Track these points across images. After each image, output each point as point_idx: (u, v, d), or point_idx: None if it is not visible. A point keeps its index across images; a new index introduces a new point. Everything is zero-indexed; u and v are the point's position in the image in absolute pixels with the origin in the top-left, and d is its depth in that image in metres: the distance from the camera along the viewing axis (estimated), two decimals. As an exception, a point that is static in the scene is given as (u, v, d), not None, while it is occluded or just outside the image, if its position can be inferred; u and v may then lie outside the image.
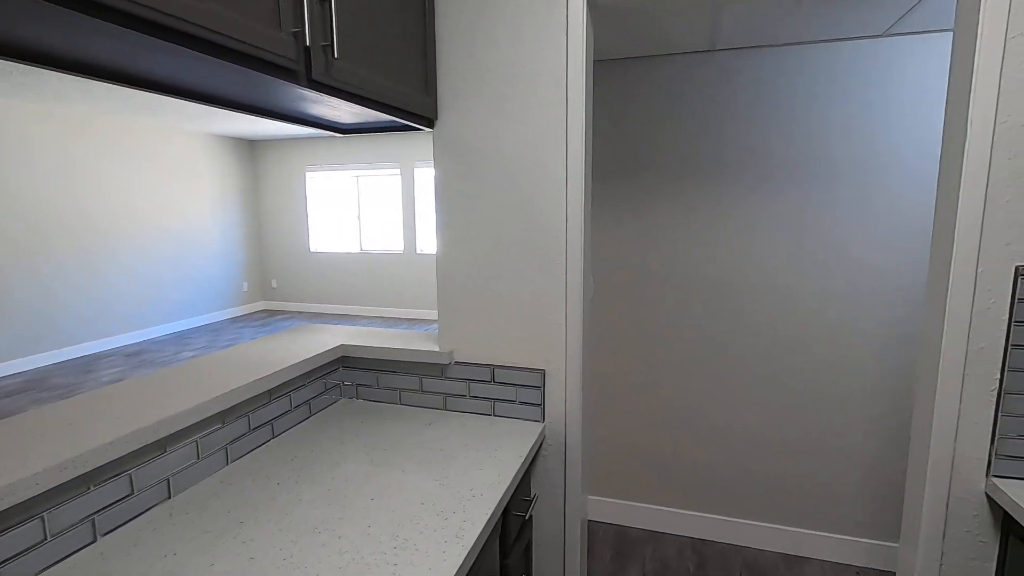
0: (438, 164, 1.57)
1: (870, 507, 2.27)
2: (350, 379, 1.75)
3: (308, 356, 1.55)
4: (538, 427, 1.54)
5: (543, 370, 1.55)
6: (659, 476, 2.56)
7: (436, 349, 1.63)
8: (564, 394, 1.55)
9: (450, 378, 1.64)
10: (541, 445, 1.59)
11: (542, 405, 1.56)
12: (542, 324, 1.54)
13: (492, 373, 1.60)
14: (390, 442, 1.44)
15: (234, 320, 8.06)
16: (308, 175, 8.31)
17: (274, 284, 8.74)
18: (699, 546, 2.48)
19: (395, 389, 1.70)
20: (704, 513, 2.51)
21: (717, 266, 2.34)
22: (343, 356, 1.74)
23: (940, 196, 1.28)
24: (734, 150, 2.26)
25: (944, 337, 1.23)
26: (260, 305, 8.79)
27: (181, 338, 7.02)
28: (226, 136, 7.98)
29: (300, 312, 8.57)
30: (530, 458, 1.42)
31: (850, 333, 2.21)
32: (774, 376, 2.33)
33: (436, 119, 1.55)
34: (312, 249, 8.45)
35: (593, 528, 2.63)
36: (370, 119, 1.53)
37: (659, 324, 2.46)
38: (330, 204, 8.45)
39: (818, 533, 2.34)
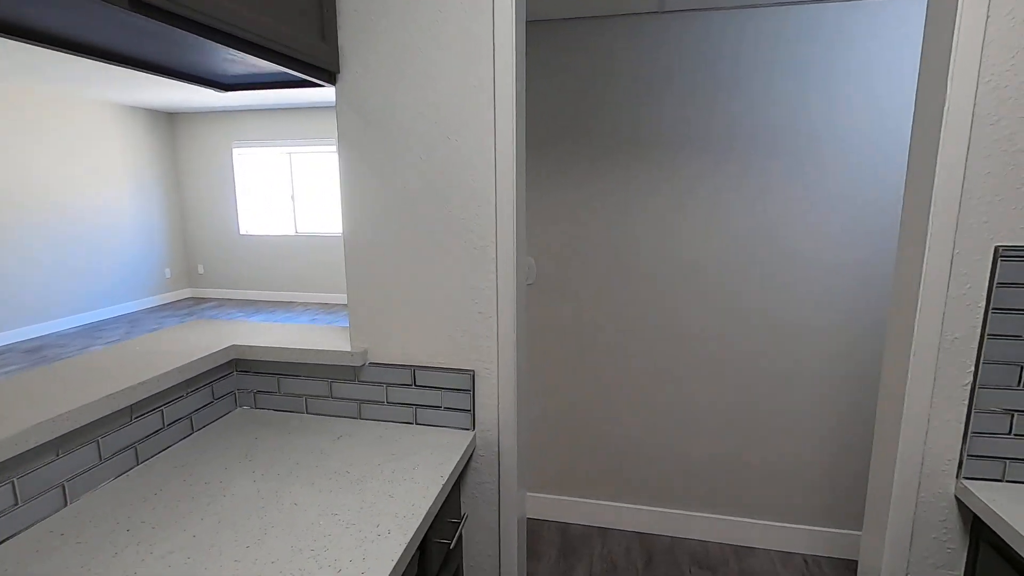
0: (343, 128, 1.31)
1: (819, 496, 2.21)
2: (246, 385, 1.48)
3: (185, 362, 1.27)
4: (467, 436, 1.33)
5: (472, 371, 1.34)
6: (603, 470, 2.42)
7: (347, 349, 1.38)
8: (497, 398, 1.34)
9: (364, 382, 1.40)
10: (471, 456, 1.39)
11: (472, 411, 1.35)
12: (470, 316, 1.32)
13: (413, 375, 1.37)
14: (287, 464, 1.19)
15: (157, 309, 7.43)
16: (236, 151, 7.70)
17: (201, 270, 8.12)
18: (646, 541, 2.37)
19: (300, 396, 1.44)
20: (651, 507, 2.39)
21: (666, 245, 2.19)
22: (236, 359, 1.47)
23: (912, 168, 1.14)
24: (675, 118, 2.09)
25: (916, 326, 1.09)
26: (186, 292, 8.16)
27: (93, 330, 6.40)
28: (137, 107, 7.24)
29: (230, 299, 8.01)
30: (457, 474, 1.22)
31: (796, 318, 2.11)
32: (719, 365, 2.21)
33: (338, 73, 1.28)
34: (242, 231, 7.86)
35: (535, 526, 2.47)
36: (255, 70, 1.24)
37: (599, 310, 2.29)
38: (261, 183, 7.87)
39: (766, 523, 2.27)
